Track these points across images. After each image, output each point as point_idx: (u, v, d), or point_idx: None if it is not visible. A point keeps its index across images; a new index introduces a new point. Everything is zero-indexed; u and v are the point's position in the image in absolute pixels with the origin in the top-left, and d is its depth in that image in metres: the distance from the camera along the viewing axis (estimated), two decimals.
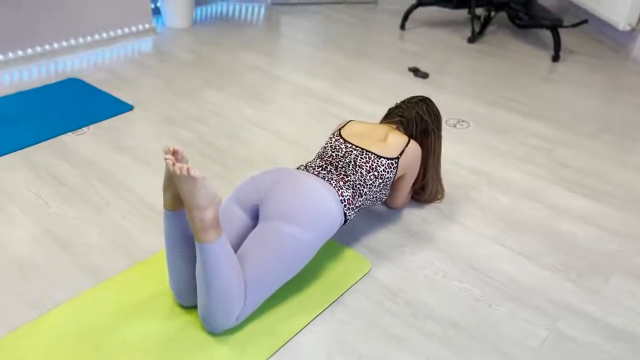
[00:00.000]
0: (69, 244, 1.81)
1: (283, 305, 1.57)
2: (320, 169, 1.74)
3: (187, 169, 1.29)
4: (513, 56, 3.65)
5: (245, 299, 1.43)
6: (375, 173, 1.74)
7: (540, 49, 3.79)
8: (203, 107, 2.78)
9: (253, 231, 1.53)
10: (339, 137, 1.83)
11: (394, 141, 1.81)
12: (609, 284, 1.72)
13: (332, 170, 1.73)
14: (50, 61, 3.26)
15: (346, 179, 1.70)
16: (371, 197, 1.76)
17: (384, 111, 2.77)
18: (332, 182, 1.67)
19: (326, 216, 1.57)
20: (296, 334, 1.50)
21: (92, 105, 2.71)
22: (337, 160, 1.76)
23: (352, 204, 1.68)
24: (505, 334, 1.53)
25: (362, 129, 1.87)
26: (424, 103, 1.96)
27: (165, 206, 1.44)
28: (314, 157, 1.86)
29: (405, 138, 1.84)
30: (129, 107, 2.71)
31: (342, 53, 3.60)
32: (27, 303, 1.58)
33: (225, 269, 1.37)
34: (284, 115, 2.73)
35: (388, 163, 1.76)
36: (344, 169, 1.73)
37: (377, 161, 1.75)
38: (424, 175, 1.98)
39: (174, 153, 1.37)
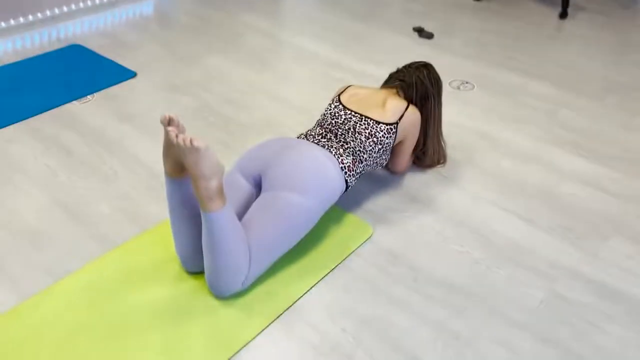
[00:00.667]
0: (78, 213, 1.86)
1: (286, 269, 1.62)
2: (320, 137, 1.76)
3: (190, 140, 1.31)
4: (521, 14, 3.58)
5: (250, 265, 1.48)
6: (375, 139, 1.76)
7: (548, 5, 3.71)
8: (207, 73, 2.78)
9: (257, 200, 1.57)
10: (338, 104, 1.85)
11: (392, 106, 1.82)
12: (607, 246, 1.75)
13: (332, 138, 1.76)
14: (51, 27, 3.24)
15: (346, 146, 1.73)
16: (371, 162, 1.79)
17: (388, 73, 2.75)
18: (332, 149, 1.70)
19: (328, 184, 1.61)
20: (299, 297, 1.55)
21: (96, 73, 2.71)
22: (337, 127, 1.78)
23: (353, 171, 1.71)
24: (503, 295, 1.57)
25: (361, 94, 1.89)
26: (425, 68, 1.96)
27: (166, 173, 1.47)
28: (314, 124, 1.89)
29: (404, 103, 1.85)
30: (132, 74, 2.71)
31: (346, 14, 3.55)
32: (41, 272, 1.64)
33: (230, 237, 1.41)
34: (289, 81, 2.72)
35: (387, 128, 1.78)
36: (343, 136, 1.76)
37: (376, 127, 1.77)
38: (425, 141, 1.99)
39: (170, 121, 1.38)
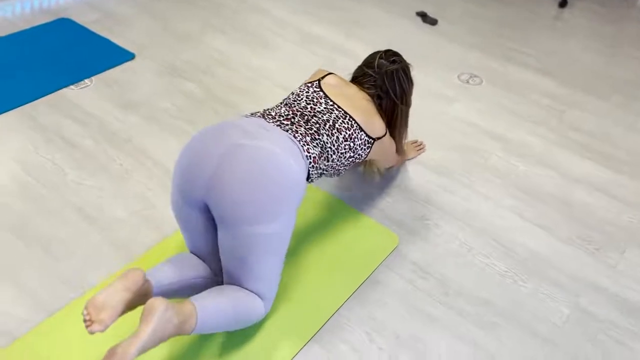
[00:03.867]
0: (93, 218, 1.78)
1: (316, 285, 1.61)
2: (284, 118, 1.50)
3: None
4: (520, 1, 3.55)
5: (262, 300, 1.39)
6: (351, 144, 1.57)
7: None
8: (208, 55, 2.66)
9: (224, 243, 1.34)
10: (318, 90, 1.62)
11: (376, 123, 1.67)
12: (624, 258, 1.80)
13: (300, 122, 1.49)
14: None
15: (316, 137, 1.48)
16: (335, 167, 1.57)
17: None
18: (297, 134, 1.45)
19: (292, 188, 1.34)
20: (333, 314, 1.54)
21: (91, 53, 2.55)
22: (312, 114, 1.53)
23: (317, 164, 1.48)
24: (530, 311, 1.61)
25: (344, 89, 1.68)
26: (402, 72, 1.76)
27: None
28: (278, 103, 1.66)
29: (383, 127, 1.70)
30: (131, 56, 2.57)
31: None
32: (60, 283, 1.57)
33: (226, 315, 1.31)
34: (293, 67, 2.64)
35: (365, 140, 1.62)
36: (317, 125, 1.51)
37: (358, 133, 1.59)
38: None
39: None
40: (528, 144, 2.27)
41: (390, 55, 1.77)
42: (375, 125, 1.66)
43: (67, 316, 1.47)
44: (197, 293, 1.37)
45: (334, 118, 1.55)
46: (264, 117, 1.49)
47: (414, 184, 2.01)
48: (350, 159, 1.61)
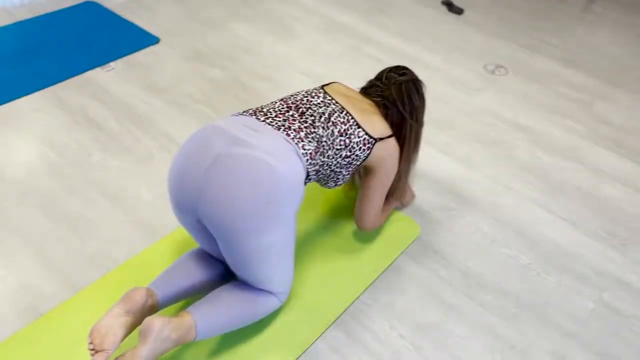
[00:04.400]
0: (118, 198, 1.79)
1: (339, 271, 1.60)
2: (277, 113, 1.41)
3: None
4: None
5: (276, 296, 1.40)
6: (347, 140, 1.45)
7: None
8: (232, 41, 2.65)
9: (225, 253, 1.32)
10: (319, 88, 1.56)
11: (377, 123, 1.53)
12: None
13: (295, 115, 1.40)
14: None
15: (312, 130, 1.38)
16: (331, 165, 1.46)
17: (421, 51, 2.68)
18: (290, 131, 1.35)
19: (285, 195, 1.27)
20: (354, 300, 1.54)
21: (116, 36, 2.57)
22: (307, 106, 1.45)
23: (314, 159, 1.38)
24: (553, 304, 1.59)
25: (345, 92, 1.59)
26: (412, 84, 1.61)
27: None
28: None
29: (388, 128, 1.56)
30: (155, 40, 2.58)
31: None
32: (86, 261, 1.59)
33: (231, 318, 1.32)
34: (317, 55, 2.62)
35: (364, 138, 1.47)
36: (312, 117, 1.41)
37: (355, 130, 1.46)
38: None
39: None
40: (554, 136, 2.23)
41: (401, 69, 1.65)
42: (376, 124, 1.51)
43: (93, 294, 1.49)
44: (207, 291, 1.40)
45: (330, 111, 1.45)
46: (255, 114, 1.40)
47: (438, 175, 2.00)
48: (347, 159, 1.47)
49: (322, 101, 1.48)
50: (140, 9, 2.84)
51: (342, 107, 1.48)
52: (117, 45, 2.50)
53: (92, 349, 1.20)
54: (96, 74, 2.34)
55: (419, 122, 1.62)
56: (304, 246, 1.67)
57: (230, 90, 2.33)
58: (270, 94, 2.31)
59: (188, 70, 2.42)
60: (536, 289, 1.63)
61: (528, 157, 2.11)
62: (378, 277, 1.61)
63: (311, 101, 1.47)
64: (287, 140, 1.32)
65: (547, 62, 2.72)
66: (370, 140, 1.48)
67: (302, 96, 1.49)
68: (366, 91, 1.65)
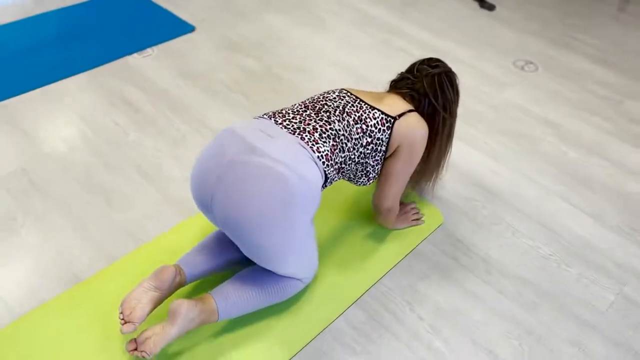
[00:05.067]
0: (151, 175, 1.87)
1: (361, 254, 1.65)
2: (295, 113, 1.44)
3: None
4: None
5: (300, 280, 1.45)
6: (364, 126, 1.44)
7: None
8: (265, 32, 2.72)
9: (244, 251, 1.36)
10: (338, 88, 1.58)
11: (396, 102, 1.53)
12: None
13: (311, 114, 1.43)
14: None
15: (327, 127, 1.40)
16: (354, 158, 1.46)
17: (451, 46, 2.70)
18: (305, 134, 1.37)
19: (297, 203, 1.29)
20: (376, 282, 1.58)
21: (154, 24, 2.66)
22: (322, 103, 1.47)
23: (332, 160, 1.39)
24: (573, 295, 1.61)
25: (369, 91, 1.59)
26: (446, 77, 1.58)
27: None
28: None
29: (409, 106, 1.54)
30: (191, 28, 2.66)
31: None
32: (122, 234, 1.67)
33: (252, 302, 1.39)
34: (349, 47, 2.67)
35: (382, 118, 1.46)
36: (327, 113, 1.43)
37: (369, 112, 1.46)
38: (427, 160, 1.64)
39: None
40: (581, 132, 2.24)
41: (434, 61, 1.62)
42: (395, 105, 1.51)
43: (127, 264, 1.57)
44: (233, 269, 1.48)
45: (344, 103, 1.47)
46: (274, 116, 1.42)
47: (464, 166, 2.02)
48: (369, 147, 1.46)
49: (337, 95, 1.50)
50: None
51: (356, 97, 1.50)
52: (155, 33, 2.59)
53: (121, 319, 1.29)
54: (134, 59, 2.43)
55: (452, 115, 1.60)
56: (331, 230, 1.72)
57: (262, 79, 2.39)
58: (302, 85, 2.37)
59: (221, 59, 2.49)
60: (556, 279, 1.65)
61: (554, 152, 2.12)
62: (400, 261, 1.65)
63: (327, 97, 1.50)
64: (301, 145, 1.34)
65: (578, 60, 2.72)
66: (388, 119, 1.47)
67: (318, 95, 1.53)
68: (396, 84, 1.63)
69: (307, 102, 1.50)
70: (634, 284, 1.65)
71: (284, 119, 1.41)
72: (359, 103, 1.47)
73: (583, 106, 2.39)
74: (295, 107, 1.47)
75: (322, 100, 1.48)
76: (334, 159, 1.39)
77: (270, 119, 1.41)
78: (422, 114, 1.55)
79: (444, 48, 2.70)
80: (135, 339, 1.28)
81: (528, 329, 1.50)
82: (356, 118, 1.44)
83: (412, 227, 1.75)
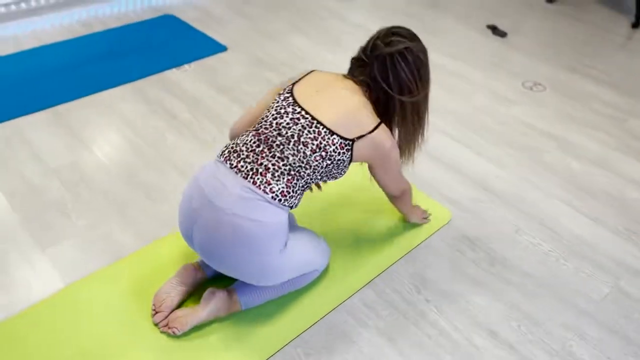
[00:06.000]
0: (186, 173, 2.07)
1: (374, 244, 1.81)
2: (248, 152, 1.40)
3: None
4: (592, 19, 3.64)
5: (317, 269, 1.62)
6: (323, 153, 1.40)
7: (621, 13, 3.75)
8: (290, 51, 2.95)
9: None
10: (289, 96, 1.46)
11: (363, 118, 1.43)
12: None
13: (264, 150, 1.40)
14: None
15: (280, 164, 1.38)
16: (317, 176, 1.45)
17: (465, 68, 2.89)
18: (256, 177, 1.37)
19: (267, 242, 1.39)
20: (387, 267, 1.74)
21: (190, 44, 2.92)
22: (276, 134, 1.41)
23: (288, 195, 1.39)
24: (571, 286, 1.73)
25: (321, 86, 1.47)
26: (399, 56, 1.43)
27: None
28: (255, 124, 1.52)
29: (373, 120, 1.44)
30: (223, 48, 2.90)
31: (418, 2, 3.66)
32: (158, 222, 1.86)
33: (271, 293, 1.57)
34: None
35: (340, 143, 1.40)
36: (281, 146, 1.39)
37: (328, 139, 1.39)
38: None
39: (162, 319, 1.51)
40: (585, 146, 2.38)
41: (390, 35, 1.46)
42: (362, 120, 1.42)
43: (160, 246, 1.75)
44: None
45: (299, 130, 1.40)
46: (229, 156, 1.42)
47: (471, 172, 2.18)
48: (331, 166, 1.44)
49: (290, 119, 1.41)
50: (212, 22, 3.19)
51: (312, 118, 1.40)
52: (191, 51, 2.84)
53: (153, 310, 1.51)
54: (172, 74, 2.67)
55: (412, 95, 1.46)
56: (349, 222, 1.88)
57: None
58: None
59: (250, 74, 2.72)
60: (555, 273, 1.78)
61: (557, 162, 2.27)
62: (410, 251, 1.80)
63: (280, 124, 1.41)
64: (253, 190, 1.36)
65: (586, 83, 2.88)
66: (347, 142, 1.41)
67: (271, 119, 1.44)
68: (353, 69, 1.53)
69: (260, 131, 1.43)
70: (628, 279, 1.77)
71: (238, 159, 1.40)
72: (316, 127, 1.40)
73: (588, 123, 2.54)
74: (247, 140, 1.43)
75: (275, 129, 1.41)
76: (293, 188, 1.40)
77: (226, 162, 1.41)
78: (376, 101, 1.47)
79: (456, 70, 2.89)
80: (166, 315, 1.50)
81: (527, 313, 1.63)
82: (314, 147, 1.39)
83: (423, 224, 1.90)
